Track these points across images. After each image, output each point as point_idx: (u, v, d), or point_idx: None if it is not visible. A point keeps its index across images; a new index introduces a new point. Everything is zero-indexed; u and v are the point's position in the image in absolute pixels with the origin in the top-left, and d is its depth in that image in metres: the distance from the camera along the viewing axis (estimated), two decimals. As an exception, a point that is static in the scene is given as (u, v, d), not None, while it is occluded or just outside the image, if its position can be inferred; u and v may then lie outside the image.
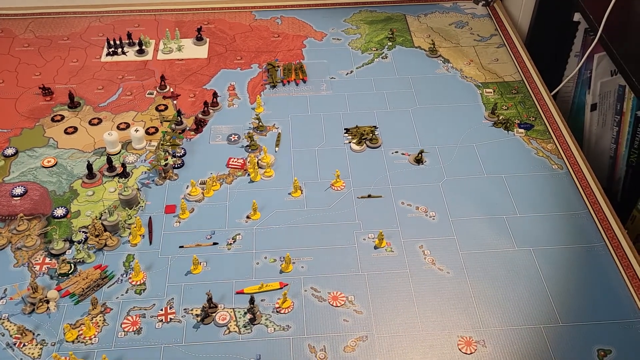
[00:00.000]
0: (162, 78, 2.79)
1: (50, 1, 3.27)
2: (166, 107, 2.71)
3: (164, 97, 2.75)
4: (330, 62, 2.97)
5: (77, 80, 2.85)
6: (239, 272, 2.08)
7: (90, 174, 2.38)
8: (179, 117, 2.59)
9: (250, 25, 3.21)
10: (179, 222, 2.24)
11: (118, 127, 2.61)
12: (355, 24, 3.23)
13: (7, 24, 3.18)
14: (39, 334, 1.90)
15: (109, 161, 2.40)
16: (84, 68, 2.93)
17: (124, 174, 2.40)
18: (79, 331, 1.90)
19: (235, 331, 1.92)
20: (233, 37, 3.13)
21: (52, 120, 2.65)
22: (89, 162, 2.39)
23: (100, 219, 2.21)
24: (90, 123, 2.63)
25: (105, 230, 2.18)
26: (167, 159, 2.39)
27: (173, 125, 2.59)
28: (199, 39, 3.06)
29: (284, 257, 2.10)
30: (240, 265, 2.10)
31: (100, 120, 2.65)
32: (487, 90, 2.81)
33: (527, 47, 3.08)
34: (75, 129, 2.60)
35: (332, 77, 2.87)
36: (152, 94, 2.78)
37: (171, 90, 2.78)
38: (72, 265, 2.08)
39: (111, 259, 2.12)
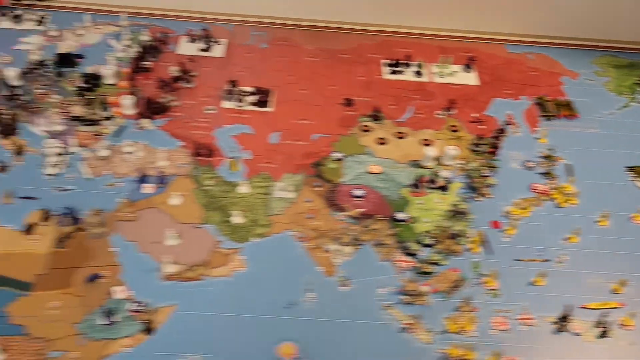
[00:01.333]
0: (451, 101, 3.11)
1: (321, 15, 3.60)
2: (457, 130, 3.03)
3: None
4: (590, 101, 3.26)
5: (370, 95, 3.18)
6: (574, 288, 2.39)
7: (416, 186, 2.71)
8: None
9: (505, 58, 3.52)
10: (508, 237, 2.55)
11: (421, 143, 2.93)
12: (601, 66, 3.51)
13: (288, 34, 3.53)
14: (424, 323, 2.23)
15: (430, 175, 2.73)
16: (371, 83, 3.26)
17: (444, 188, 2.72)
18: (458, 325, 2.22)
19: (590, 341, 2.22)
20: (494, 67, 3.44)
21: (362, 130, 2.98)
22: (417, 177, 2.72)
23: (444, 226, 2.54)
24: (395, 136, 2.96)
25: (450, 237, 2.50)
26: (485, 179, 2.71)
27: (481, 148, 2.89)
28: (468, 67, 3.37)
29: (615, 280, 2.39)
30: (573, 283, 2.41)
31: (404, 135, 2.97)
32: None
33: None
34: (386, 140, 2.93)
35: (599, 116, 3.16)
36: (440, 114, 3.10)
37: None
38: (433, 265, 2.41)
39: (457, 264, 2.44)
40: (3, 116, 2.78)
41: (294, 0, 3.54)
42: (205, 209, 2.55)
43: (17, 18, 3.33)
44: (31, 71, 3.01)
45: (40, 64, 3.04)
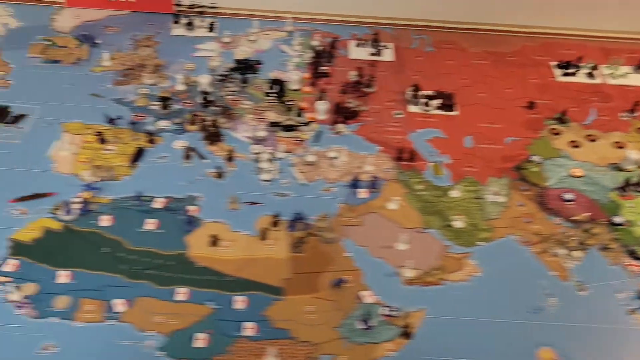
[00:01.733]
0: (636, 103, 3.09)
1: (482, 18, 3.60)
2: (646, 131, 3.01)
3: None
4: None
5: (548, 97, 3.17)
6: None
7: (623, 189, 2.69)
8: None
9: (670, 58, 3.49)
10: None
11: (614, 146, 2.91)
12: None
13: (450, 37, 3.54)
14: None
15: (637, 178, 2.71)
16: (545, 86, 3.25)
17: (647, 191, 2.71)
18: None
19: None
20: (662, 68, 3.41)
21: (551, 133, 2.97)
22: (625, 180, 2.70)
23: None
24: (586, 139, 2.94)
25: (672, 242, 2.49)
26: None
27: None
28: (639, 68, 3.35)
29: None
30: None
31: (595, 138, 2.95)
32: None
33: None
34: (579, 143, 2.92)
35: None
36: (624, 116, 3.07)
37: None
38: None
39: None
40: (205, 123, 2.83)
41: (455, 3, 3.56)
42: (422, 214, 2.57)
43: (189, 25, 3.39)
44: (220, 78, 3.06)
45: (232, 70, 3.09)
